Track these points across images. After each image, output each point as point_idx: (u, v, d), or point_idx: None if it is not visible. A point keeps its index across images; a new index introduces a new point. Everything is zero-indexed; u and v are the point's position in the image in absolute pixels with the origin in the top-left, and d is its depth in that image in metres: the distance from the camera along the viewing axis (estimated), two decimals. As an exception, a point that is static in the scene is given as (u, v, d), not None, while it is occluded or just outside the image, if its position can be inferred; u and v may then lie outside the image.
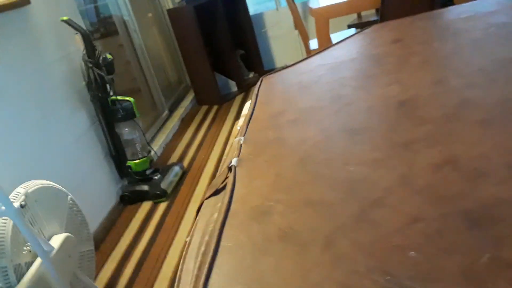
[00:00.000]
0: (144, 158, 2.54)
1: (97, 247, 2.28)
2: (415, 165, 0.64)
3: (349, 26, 3.42)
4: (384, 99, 0.90)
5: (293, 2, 2.79)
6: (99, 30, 3.73)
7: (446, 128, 0.72)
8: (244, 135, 0.92)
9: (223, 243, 0.60)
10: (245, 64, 4.23)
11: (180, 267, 0.66)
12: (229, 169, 0.79)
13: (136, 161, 2.52)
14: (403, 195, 0.58)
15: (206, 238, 0.63)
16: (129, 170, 2.53)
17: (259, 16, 4.13)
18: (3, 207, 1.21)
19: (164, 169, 2.68)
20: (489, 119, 0.70)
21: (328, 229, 0.56)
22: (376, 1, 2.28)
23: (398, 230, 0.52)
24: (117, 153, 2.52)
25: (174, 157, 3.12)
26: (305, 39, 2.87)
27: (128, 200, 2.59)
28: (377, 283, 0.46)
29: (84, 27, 2.36)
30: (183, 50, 3.82)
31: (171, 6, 4.10)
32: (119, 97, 2.37)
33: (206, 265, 0.55)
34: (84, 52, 2.26)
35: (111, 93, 2.37)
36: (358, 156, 0.71)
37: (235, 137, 0.95)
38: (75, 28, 2.20)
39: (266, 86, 1.21)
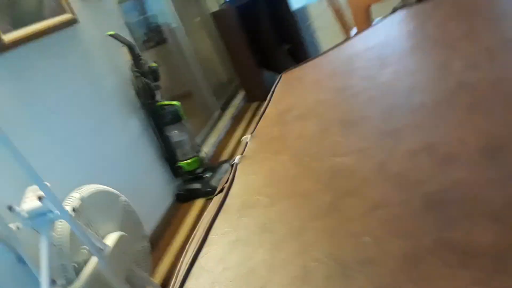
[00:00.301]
0: (194, 158, 2.66)
1: (155, 243, 2.43)
2: (394, 152, 0.66)
3: (394, 10, 3.32)
4: (387, 88, 0.91)
5: (331, -7, 2.78)
6: (152, 40, 3.94)
7: (434, 114, 0.72)
8: (252, 133, 0.97)
9: (210, 236, 0.65)
10: (293, 57, 4.25)
11: (182, 259, 0.73)
12: (231, 166, 0.85)
13: (187, 161, 2.65)
14: (375, 183, 0.60)
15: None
16: (181, 170, 2.67)
17: (303, 9, 4.13)
18: (57, 211, 1.35)
19: (214, 167, 2.79)
20: (477, 102, 0.70)
21: (301, 219, 0.60)
22: (412, -18, 2.21)
23: (359, 217, 0.55)
24: (169, 155, 2.67)
25: (225, 155, 3.22)
26: (346, 30, 2.84)
27: (183, 198, 2.73)
28: (329, 267, 0.49)
29: (131, 39, 2.52)
30: (230, 50, 3.92)
31: (217, 8, 4.21)
32: (166, 102, 2.51)
33: (191, 256, 0.61)
34: (131, 62, 2.42)
35: (158, 99, 2.51)
36: (346, 147, 0.74)
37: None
38: (121, 41, 2.35)
39: (283, 82, 1.25)
